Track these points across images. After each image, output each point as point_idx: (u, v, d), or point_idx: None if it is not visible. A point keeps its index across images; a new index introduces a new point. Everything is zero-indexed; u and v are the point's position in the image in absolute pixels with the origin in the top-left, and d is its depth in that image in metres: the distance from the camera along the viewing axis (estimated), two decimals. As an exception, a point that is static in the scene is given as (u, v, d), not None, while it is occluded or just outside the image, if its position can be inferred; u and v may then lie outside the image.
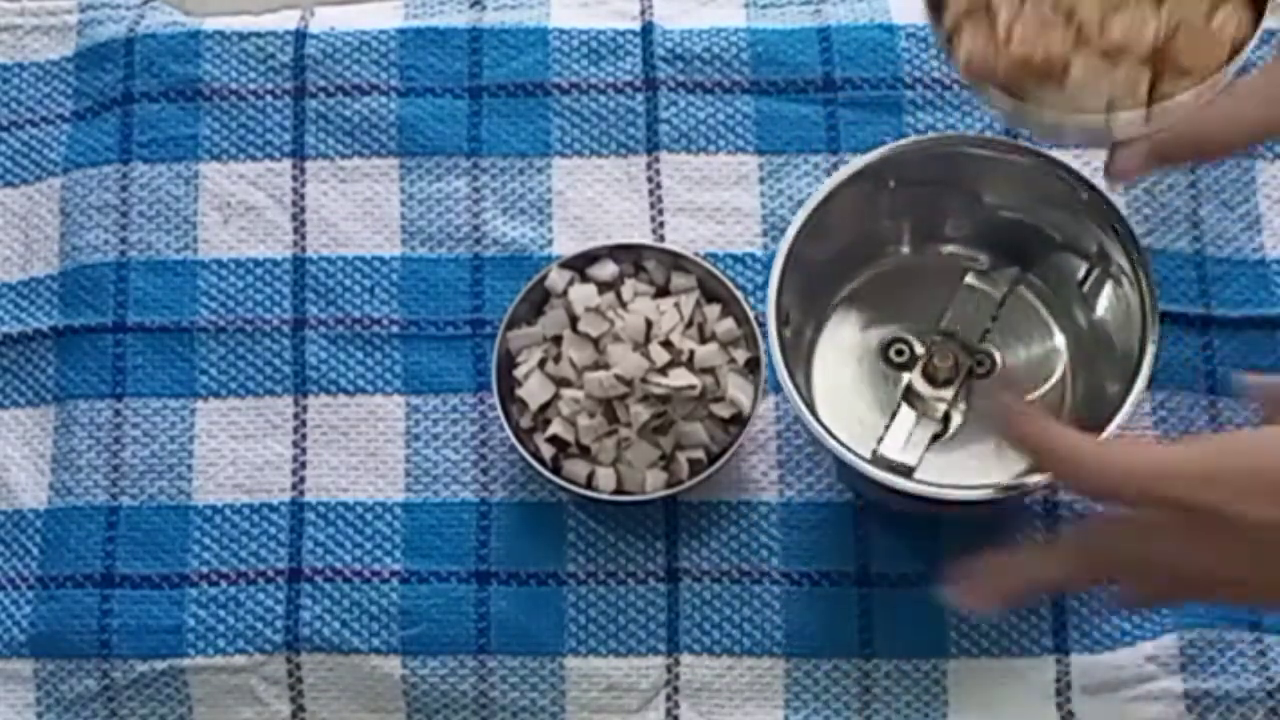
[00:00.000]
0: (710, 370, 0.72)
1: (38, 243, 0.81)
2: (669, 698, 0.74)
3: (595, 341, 0.73)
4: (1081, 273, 0.73)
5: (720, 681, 0.74)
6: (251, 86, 0.82)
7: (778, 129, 0.80)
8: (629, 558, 0.75)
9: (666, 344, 0.72)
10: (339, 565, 0.75)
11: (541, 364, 0.73)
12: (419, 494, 0.76)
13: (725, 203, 0.79)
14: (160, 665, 0.74)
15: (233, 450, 0.77)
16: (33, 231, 0.82)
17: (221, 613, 0.75)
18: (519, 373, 0.73)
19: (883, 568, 0.74)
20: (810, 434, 0.68)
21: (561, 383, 0.73)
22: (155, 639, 0.74)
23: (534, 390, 0.73)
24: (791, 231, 0.70)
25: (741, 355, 0.73)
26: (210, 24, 0.83)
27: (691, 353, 0.72)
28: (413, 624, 0.74)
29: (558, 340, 0.73)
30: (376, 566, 0.75)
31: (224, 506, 0.76)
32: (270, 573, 0.75)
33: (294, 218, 0.80)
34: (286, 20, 0.84)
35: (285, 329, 0.79)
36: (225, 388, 0.78)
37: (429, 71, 0.82)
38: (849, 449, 0.68)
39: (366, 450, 0.77)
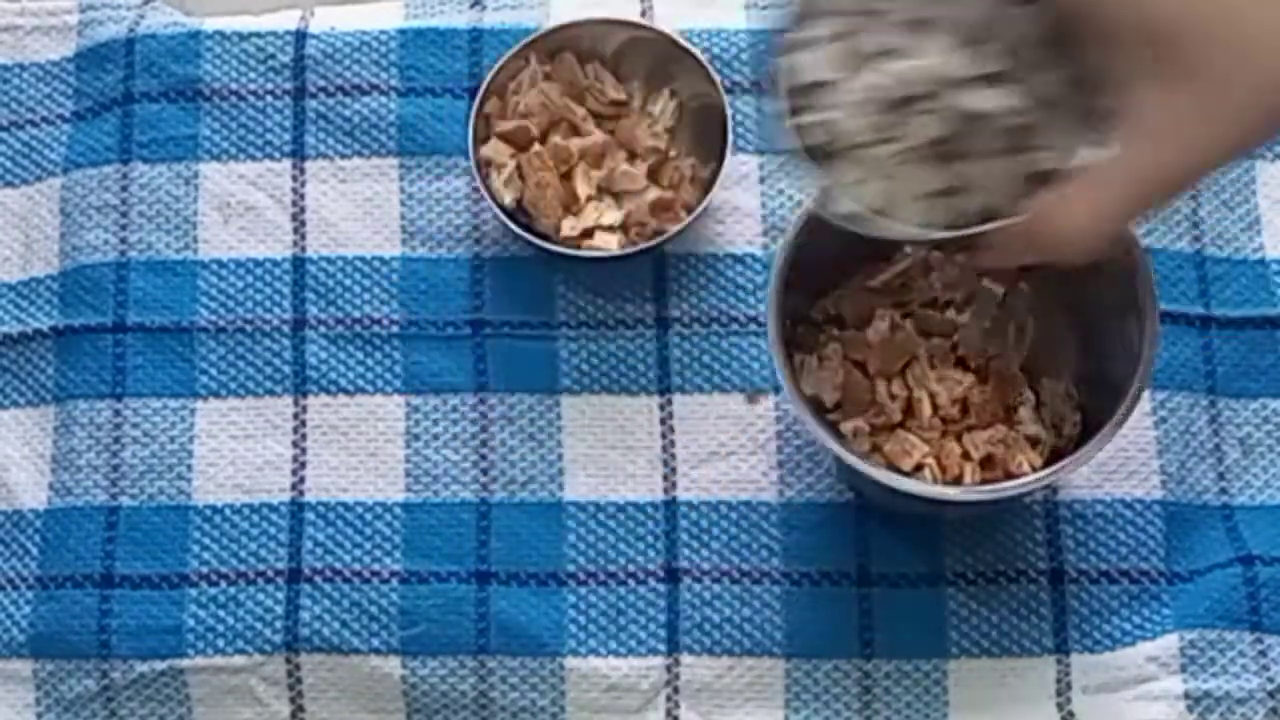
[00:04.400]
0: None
1: (38, 243, 0.81)
2: (669, 698, 0.74)
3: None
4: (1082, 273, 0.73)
5: (720, 681, 0.74)
6: (251, 86, 0.82)
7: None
8: (629, 558, 0.75)
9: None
10: (339, 565, 0.75)
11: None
12: (419, 494, 0.76)
13: (725, 202, 0.79)
14: (160, 665, 0.74)
15: (233, 450, 0.77)
16: (33, 231, 0.82)
17: (221, 613, 0.75)
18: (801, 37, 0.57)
19: (883, 568, 0.74)
20: (810, 434, 0.68)
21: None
22: (155, 639, 0.74)
23: (810, 64, 0.57)
24: (791, 231, 0.70)
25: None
26: (210, 24, 0.83)
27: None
28: (413, 624, 0.74)
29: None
30: (376, 566, 0.75)
31: (224, 506, 0.76)
32: (270, 573, 0.75)
33: (294, 218, 0.80)
34: (286, 20, 0.84)
35: (285, 329, 0.79)
36: (225, 388, 0.78)
37: (429, 71, 0.82)
38: (849, 449, 0.68)
39: (366, 450, 0.77)
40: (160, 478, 0.77)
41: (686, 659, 0.74)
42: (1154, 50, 0.50)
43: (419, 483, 0.76)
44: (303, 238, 0.80)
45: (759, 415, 0.76)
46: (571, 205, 0.77)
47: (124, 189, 0.81)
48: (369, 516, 0.76)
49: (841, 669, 0.73)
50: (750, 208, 0.79)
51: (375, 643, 0.74)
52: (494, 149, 0.78)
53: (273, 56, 0.82)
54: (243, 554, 0.76)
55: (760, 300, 0.77)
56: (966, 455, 0.72)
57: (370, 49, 0.82)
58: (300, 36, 0.83)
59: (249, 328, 0.79)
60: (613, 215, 0.77)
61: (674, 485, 0.76)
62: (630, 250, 0.76)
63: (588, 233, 0.77)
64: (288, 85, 0.82)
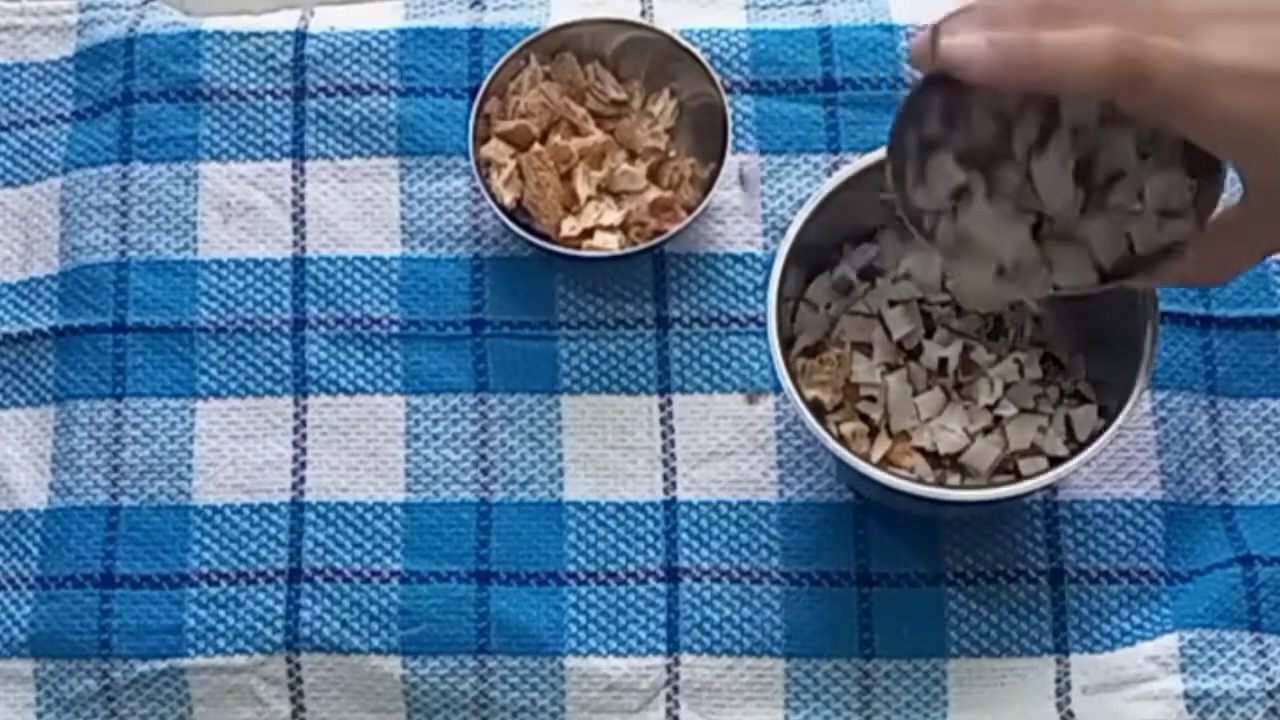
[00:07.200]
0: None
1: (38, 243, 0.81)
2: (669, 698, 0.74)
3: None
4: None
5: (720, 681, 0.74)
6: (251, 86, 0.82)
7: (778, 129, 0.80)
8: (629, 558, 0.75)
9: None
10: (339, 565, 0.75)
11: None
12: (419, 494, 0.76)
13: (725, 202, 0.79)
14: (160, 665, 0.74)
15: (233, 450, 0.77)
16: (33, 231, 0.82)
17: (221, 613, 0.75)
18: None
19: (883, 568, 0.74)
20: (810, 434, 0.68)
21: None
22: (155, 639, 0.74)
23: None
24: (792, 231, 0.70)
25: None
26: (210, 24, 0.83)
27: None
28: (413, 624, 0.74)
29: None
30: (376, 566, 0.75)
31: (224, 506, 0.76)
32: (270, 573, 0.75)
33: (294, 218, 0.80)
34: (286, 20, 0.84)
35: (285, 329, 0.79)
36: (225, 388, 0.78)
37: (429, 71, 0.82)
38: (849, 449, 0.68)
39: (366, 450, 0.77)
40: (160, 478, 0.77)
41: (686, 659, 0.74)
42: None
43: (419, 483, 0.76)
44: (303, 238, 0.80)
45: (759, 415, 0.76)
46: (571, 205, 0.77)
47: (124, 189, 0.81)
48: (369, 516, 0.76)
49: (841, 669, 0.73)
50: (750, 208, 0.79)
51: (375, 642, 0.74)
52: (494, 149, 0.78)
53: (273, 56, 0.82)
54: (243, 554, 0.76)
55: (760, 300, 0.77)
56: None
57: (370, 49, 0.82)
58: (300, 36, 0.83)
59: (249, 328, 0.79)
60: (613, 215, 0.77)
61: (674, 485, 0.76)
62: (630, 250, 0.76)
63: (588, 233, 0.77)
64: (288, 85, 0.82)
